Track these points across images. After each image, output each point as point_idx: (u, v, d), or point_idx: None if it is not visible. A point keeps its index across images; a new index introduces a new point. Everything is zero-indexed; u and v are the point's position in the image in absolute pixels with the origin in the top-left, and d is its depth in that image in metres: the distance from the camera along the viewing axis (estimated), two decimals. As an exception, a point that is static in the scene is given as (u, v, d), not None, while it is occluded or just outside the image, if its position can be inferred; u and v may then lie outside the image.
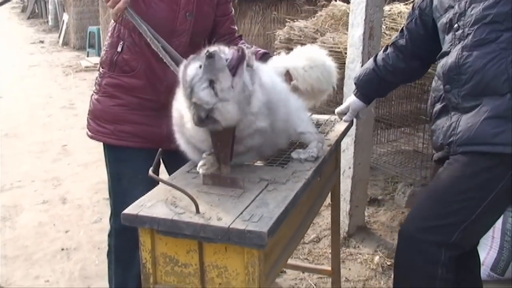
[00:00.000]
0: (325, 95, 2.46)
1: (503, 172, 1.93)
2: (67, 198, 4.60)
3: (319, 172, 2.07)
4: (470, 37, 1.98)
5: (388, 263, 3.30)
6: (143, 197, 1.76)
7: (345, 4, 4.59)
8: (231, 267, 1.61)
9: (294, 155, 2.04)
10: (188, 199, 1.63)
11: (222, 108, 1.65)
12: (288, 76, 2.26)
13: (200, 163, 1.82)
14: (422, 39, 2.35)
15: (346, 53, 3.50)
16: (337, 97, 4.19)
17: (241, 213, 1.60)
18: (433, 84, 2.22)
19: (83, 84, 9.55)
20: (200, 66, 1.67)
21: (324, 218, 3.90)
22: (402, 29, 2.45)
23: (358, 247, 3.57)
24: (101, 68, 2.42)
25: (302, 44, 4.12)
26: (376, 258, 3.39)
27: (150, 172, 1.65)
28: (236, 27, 2.58)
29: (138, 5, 2.20)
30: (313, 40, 4.02)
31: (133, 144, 2.34)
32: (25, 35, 16.66)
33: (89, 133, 2.41)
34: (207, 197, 1.71)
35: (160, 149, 1.80)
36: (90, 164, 5.29)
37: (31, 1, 21.82)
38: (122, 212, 1.66)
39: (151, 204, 1.68)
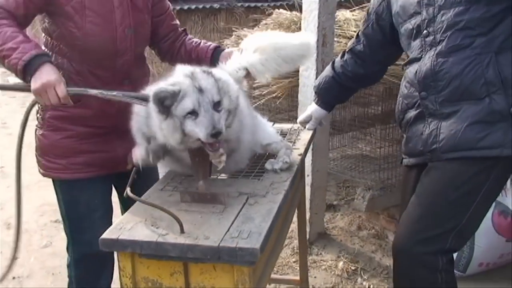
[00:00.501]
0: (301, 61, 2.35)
1: (487, 174, 1.97)
2: (12, 223, 4.35)
3: (295, 182, 2.04)
4: (443, 43, 2.00)
5: (353, 268, 3.32)
6: (121, 219, 1.66)
7: (289, 12, 4.60)
8: (220, 287, 1.55)
9: (268, 166, 2.01)
10: (169, 219, 1.56)
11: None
12: (249, 75, 2.18)
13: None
14: (380, 44, 2.36)
15: (298, 61, 3.49)
16: (290, 104, 4.20)
17: (228, 230, 1.54)
18: (404, 91, 2.22)
19: (13, 101, 9.14)
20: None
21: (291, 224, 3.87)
22: (358, 34, 2.45)
23: (321, 254, 3.56)
24: None
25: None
26: (340, 263, 3.39)
27: (128, 192, 1.56)
28: (177, 22, 2.45)
29: (73, 34, 2.05)
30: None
31: (89, 175, 2.20)
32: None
33: (41, 171, 2.25)
34: (188, 216, 1.64)
35: (134, 168, 1.70)
36: (32, 185, 5.02)
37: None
38: (100, 238, 1.56)
39: (130, 227, 1.59)
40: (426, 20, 2.04)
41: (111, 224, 2.29)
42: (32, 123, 2.18)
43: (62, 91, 1.89)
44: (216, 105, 1.64)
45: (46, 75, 1.88)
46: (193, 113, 1.62)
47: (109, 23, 2.09)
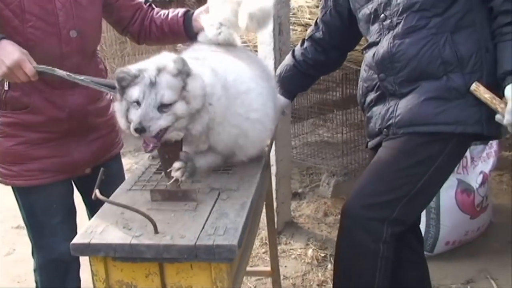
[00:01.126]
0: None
1: (441, 147, 1.99)
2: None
3: (265, 173, 2.02)
4: (400, 25, 2.01)
5: (322, 255, 3.33)
6: (90, 222, 1.61)
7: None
8: (197, 285, 1.51)
9: None
10: (141, 219, 1.52)
11: None
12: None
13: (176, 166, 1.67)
14: (339, 30, 2.36)
15: (257, 51, 3.47)
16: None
17: (204, 227, 1.51)
18: (363, 74, 2.23)
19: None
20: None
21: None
22: (317, 21, 2.44)
23: (290, 243, 3.56)
24: None
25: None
26: (309, 251, 3.40)
27: (97, 193, 1.50)
28: (137, 0, 2.31)
29: (14, 39, 1.92)
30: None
31: (44, 181, 2.12)
32: None
33: (0, 178, 2.17)
34: (160, 215, 1.60)
35: (102, 168, 1.64)
36: (-13, 192, 4.87)
37: None
38: (71, 243, 1.50)
39: (101, 230, 1.54)
40: (382, 4, 2.06)
41: (75, 227, 2.25)
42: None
43: (30, 70, 1.85)
44: (163, 106, 1.58)
45: (9, 54, 1.82)
46: (138, 103, 1.58)
47: (51, 26, 2.00)
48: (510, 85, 1.84)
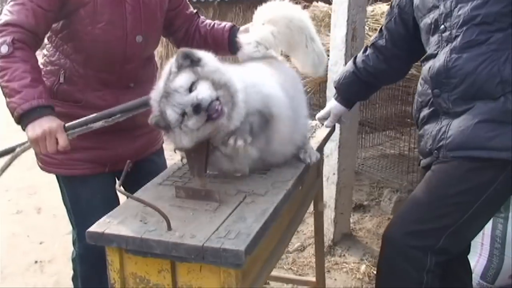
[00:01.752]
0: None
1: (494, 176, 1.85)
2: (42, 207, 4.43)
3: (301, 181, 1.95)
4: (459, 39, 1.89)
5: (375, 272, 3.19)
6: (111, 212, 1.63)
7: (327, 5, 4.49)
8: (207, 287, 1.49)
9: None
10: (160, 215, 1.51)
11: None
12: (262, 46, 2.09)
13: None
14: (403, 39, 2.25)
15: (328, 55, 3.39)
16: (320, 100, 4.10)
17: (217, 229, 1.48)
18: (419, 88, 2.12)
19: None
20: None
21: (308, 226, 3.78)
22: (381, 29, 2.35)
23: (344, 255, 3.45)
24: None
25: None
26: (363, 267, 3.28)
27: (117, 186, 1.51)
28: (192, 9, 2.36)
29: (81, 38, 1.98)
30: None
31: (86, 172, 2.15)
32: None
33: (40, 165, 2.21)
34: (180, 212, 1.59)
35: (128, 161, 1.65)
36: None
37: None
38: (87, 230, 1.53)
39: (119, 221, 1.55)
40: (443, 15, 1.93)
41: None
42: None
43: (64, 140, 1.82)
44: (190, 88, 1.56)
45: (46, 123, 1.79)
46: (180, 116, 1.56)
47: (119, 29, 2.02)
48: None
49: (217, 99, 1.54)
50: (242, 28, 2.24)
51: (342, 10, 3.15)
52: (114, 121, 1.90)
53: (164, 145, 2.42)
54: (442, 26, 1.94)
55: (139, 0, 2.03)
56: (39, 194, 4.71)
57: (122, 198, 2.35)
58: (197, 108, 1.51)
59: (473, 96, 1.86)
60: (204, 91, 1.53)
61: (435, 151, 1.97)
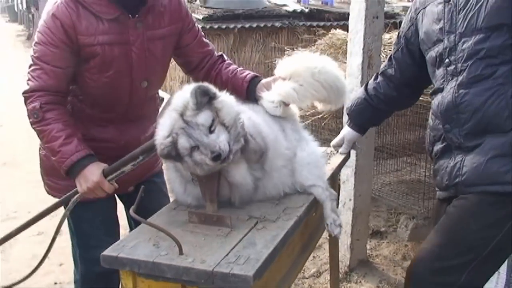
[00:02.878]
0: (340, 94, 2.24)
1: None
2: (63, 229, 4.44)
3: (313, 207, 1.98)
4: (465, 73, 1.91)
5: (391, 299, 3.19)
6: (125, 237, 1.67)
7: (345, 33, 4.53)
8: (217, 312, 1.51)
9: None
10: (172, 239, 1.55)
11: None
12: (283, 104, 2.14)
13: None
14: (410, 68, 2.28)
15: (345, 82, 3.43)
16: (340, 126, 4.12)
17: (227, 255, 1.51)
18: (430, 122, 2.14)
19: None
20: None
21: (325, 251, 3.77)
22: (390, 57, 2.38)
23: (360, 282, 3.44)
24: None
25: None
26: (379, 293, 3.27)
27: (131, 212, 1.56)
28: (210, 47, 2.39)
29: (88, 84, 2.07)
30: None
31: (89, 198, 2.14)
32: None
33: (46, 189, 2.29)
34: (192, 237, 1.63)
35: (142, 186, 1.70)
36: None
37: (36, 29, 22.04)
38: (102, 254, 1.56)
39: (132, 245, 1.60)
40: (448, 48, 1.96)
41: (117, 240, 2.32)
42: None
43: (109, 188, 1.99)
44: (210, 128, 1.63)
45: (90, 176, 1.96)
46: (193, 148, 1.63)
47: (126, 77, 2.10)
48: None
49: (230, 151, 1.62)
50: (263, 81, 2.24)
51: (358, 38, 3.20)
52: (139, 163, 1.99)
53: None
54: (447, 60, 1.96)
55: (144, 48, 2.09)
56: (59, 216, 4.76)
57: (121, 219, 2.42)
58: (216, 158, 1.59)
59: (483, 131, 1.88)
60: (224, 142, 1.61)
61: (452, 187, 1.98)
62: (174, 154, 1.65)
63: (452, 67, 1.95)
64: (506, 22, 1.82)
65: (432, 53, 2.05)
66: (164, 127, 1.68)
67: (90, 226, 2.24)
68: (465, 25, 1.91)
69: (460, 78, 1.92)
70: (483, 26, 1.86)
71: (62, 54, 1.99)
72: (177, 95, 1.72)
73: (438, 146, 2.08)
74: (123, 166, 1.99)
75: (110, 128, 2.18)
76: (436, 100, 2.04)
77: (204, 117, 1.62)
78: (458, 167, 1.95)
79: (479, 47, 1.86)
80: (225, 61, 2.37)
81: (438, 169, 2.08)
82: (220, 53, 2.41)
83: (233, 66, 2.37)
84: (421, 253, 2.02)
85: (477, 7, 1.89)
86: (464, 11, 1.92)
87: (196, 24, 2.34)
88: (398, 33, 2.34)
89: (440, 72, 2.02)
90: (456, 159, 1.97)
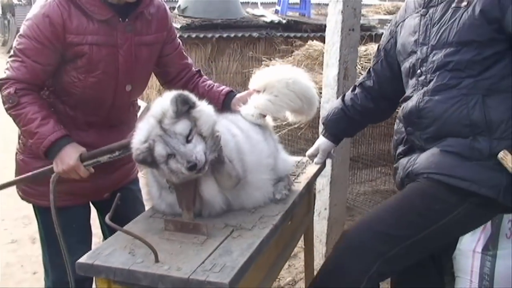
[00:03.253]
0: (312, 104, 2.30)
1: (456, 204, 1.90)
2: (37, 237, 4.40)
3: (289, 216, 2.00)
4: (432, 82, 1.97)
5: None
6: (101, 244, 1.67)
7: (322, 44, 4.60)
8: (193, 319, 1.52)
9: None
10: (148, 247, 1.55)
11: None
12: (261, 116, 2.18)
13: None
14: (389, 81, 2.33)
15: (321, 93, 3.47)
16: (316, 136, 4.17)
17: (203, 262, 1.52)
18: (395, 126, 2.22)
19: None
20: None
21: (300, 260, 3.79)
22: (369, 69, 2.43)
23: (334, 290, 3.46)
24: None
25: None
26: (352, 302, 3.28)
27: (107, 220, 1.56)
28: (189, 61, 2.43)
29: (74, 84, 2.07)
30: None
31: (66, 203, 2.18)
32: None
33: (21, 194, 2.27)
34: (168, 244, 1.64)
35: (118, 194, 1.70)
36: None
37: (11, 35, 21.76)
38: (77, 262, 1.56)
39: (108, 252, 1.60)
40: (420, 60, 2.03)
41: (91, 248, 2.31)
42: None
43: (84, 173, 2.02)
44: (187, 137, 1.64)
45: (67, 159, 1.98)
46: (169, 155, 1.64)
47: (111, 79, 2.11)
48: None
49: (206, 162, 1.64)
50: (238, 95, 2.29)
51: (335, 50, 3.24)
52: (115, 158, 2.02)
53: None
54: (419, 71, 2.03)
55: (131, 52, 2.11)
56: (34, 224, 4.67)
57: (94, 226, 2.42)
58: (192, 167, 1.60)
59: (443, 136, 1.95)
60: (201, 153, 1.63)
61: (406, 178, 2.05)
62: (149, 160, 1.66)
63: (423, 77, 2.02)
64: (477, 39, 1.88)
65: (406, 64, 2.12)
66: (141, 132, 1.70)
67: (63, 233, 2.17)
68: (437, 38, 1.98)
69: (427, 86, 1.99)
70: (454, 40, 1.92)
71: (44, 51, 2.00)
72: (157, 101, 1.73)
73: (400, 149, 2.16)
74: (100, 156, 2.02)
75: (91, 132, 2.18)
76: (402, 105, 2.12)
77: (182, 126, 1.64)
78: (412, 159, 2.03)
79: (448, 60, 1.93)
80: (202, 76, 2.42)
81: (397, 167, 2.15)
82: (198, 69, 2.45)
83: (210, 82, 2.41)
84: (362, 219, 2.07)
85: (450, 22, 1.95)
86: (438, 25, 1.98)
87: (177, 36, 2.38)
88: (378, 46, 2.39)
89: (412, 81, 2.08)
90: (413, 156, 2.05)
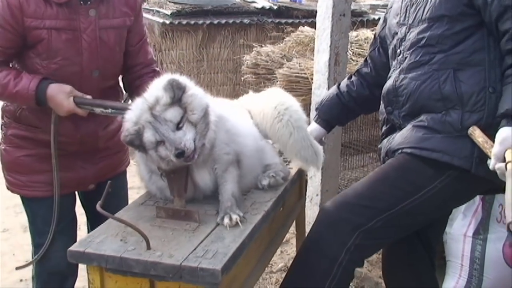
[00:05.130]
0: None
1: (432, 176, 1.92)
2: (28, 226, 4.43)
3: (281, 202, 2.01)
4: (406, 60, 2.01)
5: (358, 291, 3.24)
6: (92, 232, 1.67)
7: (313, 30, 4.56)
8: (185, 306, 1.53)
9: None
10: (140, 234, 1.55)
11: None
12: None
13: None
14: (385, 68, 2.32)
15: (312, 79, 3.47)
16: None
17: (195, 249, 1.53)
18: (380, 108, 2.24)
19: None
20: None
21: (292, 246, 3.81)
22: (366, 57, 2.46)
23: (326, 276, 3.48)
24: (4, 117, 2.22)
25: (268, 69, 4.12)
26: (345, 287, 3.30)
27: (98, 207, 1.55)
28: (149, 56, 2.34)
29: (38, 70, 2.04)
30: (280, 65, 3.98)
31: (48, 194, 2.16)
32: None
33: (7, 185, 2.25)
34: (160, 232, 1.64)
35: (109, 181, 1.69)
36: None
37: None
38: (68, 249, 1.56)
39: (100, 240, 1.59)
40: (399, 40, 2.08)
41: (75, 238, 2.30)
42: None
43: (81, 112, 2.04)
44: (178, 125, 1.64)
45: (60, 106, 2.01)
46: (158, 142, 1.64)
47: (75, 65, 2.06)
48: (503, 128, 1.75)
49: (195, 150, 1.63)
50: None
51: (325, 36, 3.23)
52: (107, 114, 2.04)
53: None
54: (398, 50, 2.08)
55: (96, 36, 2.06)
56: (25, 213, 4.70)
57: (80, 218, 2.40)
58: (179, 155, 1.60)
59: (418, 113, 1.98)
60: (190, 141, 1.62)
61: (386, 157, 2.09)
62: (136, 143, 1.66)
63: (400, 56, 2.06)
64: (447, 14, 1.91)
65: (391, 46, 2.16)
66: (133, 114, 1.69)
67: (44, 223, 2.19)
68: (414, 16, 2.02)
69: (403, 65, 2.03)
70: (427, 17, 1.96)
71: (5, 34, 1.98)
72: (151, 87, 1.73)
73: (383, 129, 2.20)
74: (93, 105, 2.04)
75: (65, 122, 2.11)
76: (384, 86, 2.14)
77: (174, 113, 1.63)
78: (392, 138, 2.07)
79: (420, 36, 1.97)
80: (155, 76, 2.25)
81: (380, 148, 2.18)
82: (156, 69, 2.38)
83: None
84: (342, 192, 2.09)
85: (425, 0, 1.98)
86: (415, 4, 2.03)
87: (145, 28, 2.33)
88: (375, 34, 2.41)
89: (394, 62, 2.13)
90: (393, 135, 2.08)
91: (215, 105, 1.83)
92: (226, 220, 1.67)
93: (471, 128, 1.86)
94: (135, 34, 2.24)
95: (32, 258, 2.34)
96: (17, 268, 2.38)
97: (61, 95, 2.00)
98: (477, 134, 1.84)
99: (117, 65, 2.23)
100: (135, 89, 2.26)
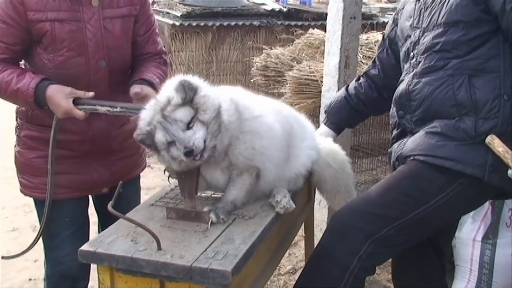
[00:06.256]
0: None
1: (445, 185, 1.90)
2: (37, 225, 4.40)
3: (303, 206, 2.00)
4: (420, 64, 2.00)
5: (366, 295, 3.22)
6: (103, 232, 1.67)
7: (323, 32, 4.57)
8: (195, 307, 1.53)
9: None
10: (150, 235, 1.56)
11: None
12: None
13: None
14: (394, 69, 2.32)
15: (322, 82, 3.47)
16: (317, 125, 4.16)
17: (205, 250, 1.53)
18: (390, 111, 2.23)
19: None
20: None
21: (301, 249, 3.80)
22: (375, 59, 2.45)
23: (334, 278, 3.47)
24: (18, 119, 2.25)
25: (278, 72, 4.12)
26: (353, 290, 3.29)
27: (109, 207, 1.56)
28: (158, 47, 2.34)
29: (45, 65, 2.05)
30: (290, 68, 3.98)
31: (60, 196, 2.17)
32: None
33: (20, 187, 2.26)
34: (170, 233, 1.64)
35: (120, 182, 1.70)
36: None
37: None
38: (79, 249, 1.56)
39: (110, 240, 1.60)
40: (413, 43, 2.06)
41: (86, 241, 2.29)
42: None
43: (79, 116, 2.01)
44: (188, 124, 1.63)
45: (58, 106, 1.99)
46: (170, 143, 1.64)
47: (81, 56, 2.06)
48: None
49: (204, 149, 1.62)
50: (140, 88, 2.15)
51: (336, 38, 3.23)
52: (115, 113, 2.01)
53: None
54: (412, 54, 2.06)
55: (100, 26, 2.07)
56: (34, 212, 4.68)
57: (92, 220, 2.39)
58: (188, 153, 1.59)
59: (431, 118, 1.96)
60: (200, 140, 1.61)
61: (396, 162, 2.08)
62: (148, 142, 1.66)
63: (414, 60, 2.05)
64: (463, 19, 1.89)
65: (403, 49, 2.15)
66: (147, 113, 1.69)
67: (56, 226, 2.20)
68: (428, 20, 2.00)
69: (416, 69, 2.01)
70: (442, 21, 1.94)
71: (9, 30, 2.00)
72: (163, 88, 1.73)
73: (394, 133, 2.19)
74: (99, 105, 2.02)
75: (76, 119, 2.08)
76: (396, 89, 2.13)
77: (183, 113, 1.63)
78: (403, 143, 2.06)
79: (436, 41, 1.95)
80: (162, 64, 2.33)
81: (391, 152, 2.17)
82: (165, 58, 2.37)
83: (154, 69, 2.28)
84: (352, 201, 2.08)
85: (440, 4, 1.97)
86: (430, 8, 2.01)
87: (153, 18, 2.31)
88: (383, 35, 2.41)
89: (407, 65, 2.11)
90: (404, 139, 2.07)
91: (251, 102, 1.86)
92: (212, 215, 1.70)
93: (489, 137, 1.84)
94: (142, 24, 2.25)
95: (44, 262, 2.35)
96: (3, 258, 2.39)
97: (60, 94, 1.99)
98: (496, 144, 1.82)
99: (125, 55, 2.22)
100: (137, 69, 2.25)
